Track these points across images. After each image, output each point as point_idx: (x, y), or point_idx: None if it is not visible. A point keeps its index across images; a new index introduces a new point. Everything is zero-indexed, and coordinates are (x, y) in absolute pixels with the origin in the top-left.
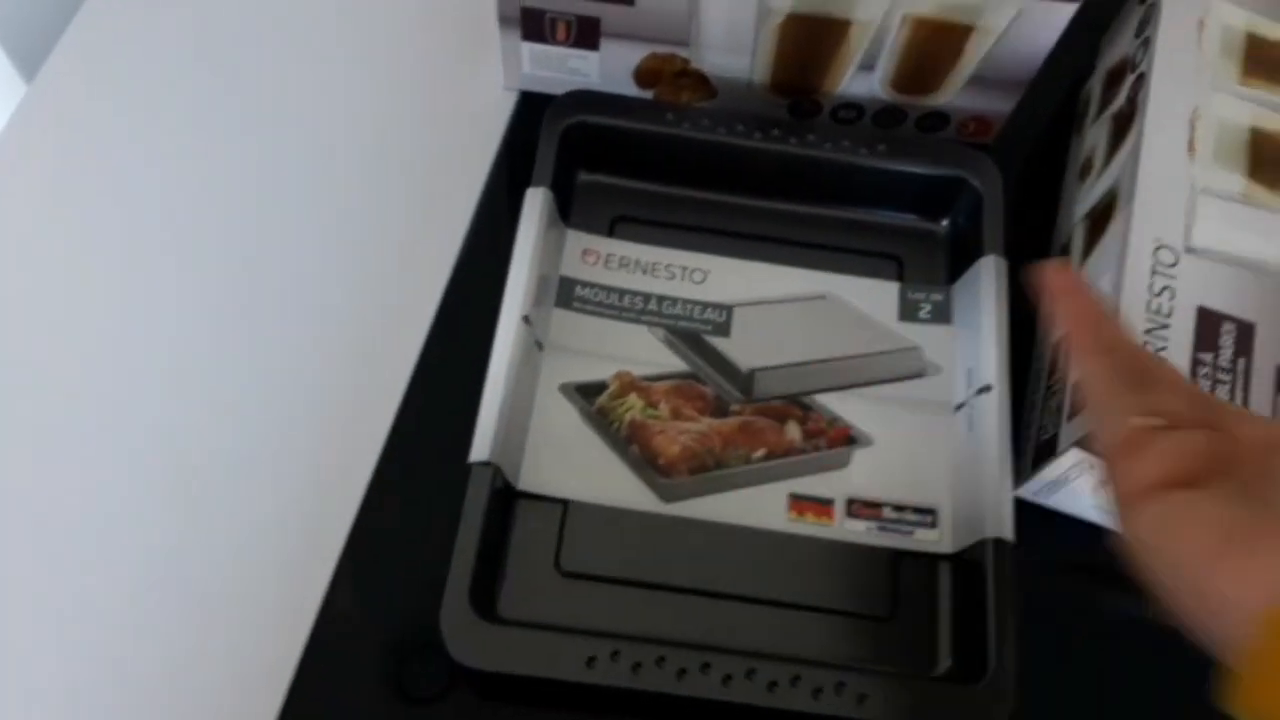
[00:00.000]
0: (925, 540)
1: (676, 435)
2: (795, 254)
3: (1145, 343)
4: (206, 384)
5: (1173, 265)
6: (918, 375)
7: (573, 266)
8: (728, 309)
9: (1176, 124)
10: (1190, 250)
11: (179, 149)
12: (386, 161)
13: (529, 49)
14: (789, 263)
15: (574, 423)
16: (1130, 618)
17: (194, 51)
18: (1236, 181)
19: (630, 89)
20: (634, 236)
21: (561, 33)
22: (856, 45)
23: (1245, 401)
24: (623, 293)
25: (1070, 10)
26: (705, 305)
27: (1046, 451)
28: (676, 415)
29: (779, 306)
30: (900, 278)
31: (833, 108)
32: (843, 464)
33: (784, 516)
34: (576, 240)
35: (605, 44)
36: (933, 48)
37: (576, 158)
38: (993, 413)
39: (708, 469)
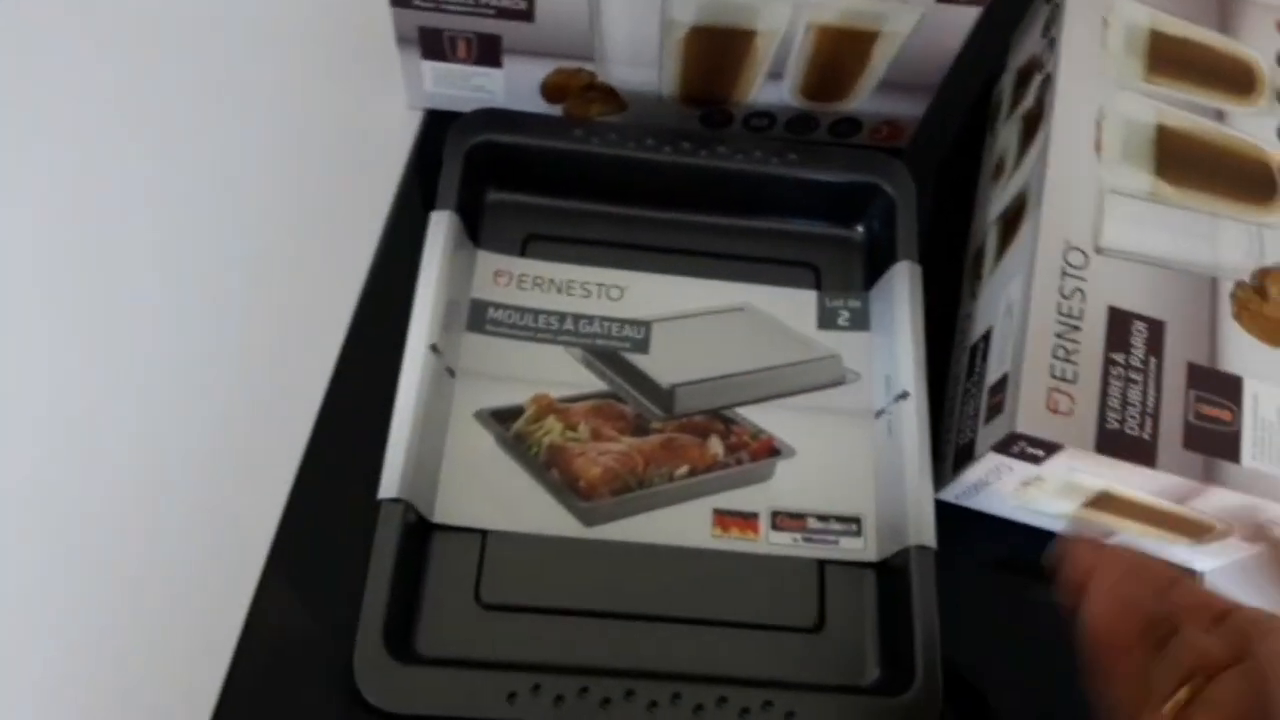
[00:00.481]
0: (850, 549)
1: (597, 457)
2: (712, 266)
3: (1061, 355)
4: (103, 419)
5: (1082, 267)
6: (838, 383)
7: (484, 288)
8: (646, 325)
9: (1083, 124)
10: (1099, 250)
11: (77, 173)
12: (290, 186)
13: (431, 67)
14: (706, 275)
15: (490, 450)
16: (1054, 611)
17: (95, 73)
18: (1144, 180)
19: (538, 105)
20: (547, 255)
21: (462, 51)
22: (763, 55)
23: (1158, 399)
24: (537, 313)
25: (974, 14)
26: (623, 322)
27: (966, 455)
28: (597, 436)
29: (698, 320)
30: (818, 286)
31: (745, 117)
32: (766, 476)
33: (708, 533)
34: (487, 261)
35: (509, 60)
36: (839, 55)
37: (484, 177)
38: (911, 419)
39: (630, 489)
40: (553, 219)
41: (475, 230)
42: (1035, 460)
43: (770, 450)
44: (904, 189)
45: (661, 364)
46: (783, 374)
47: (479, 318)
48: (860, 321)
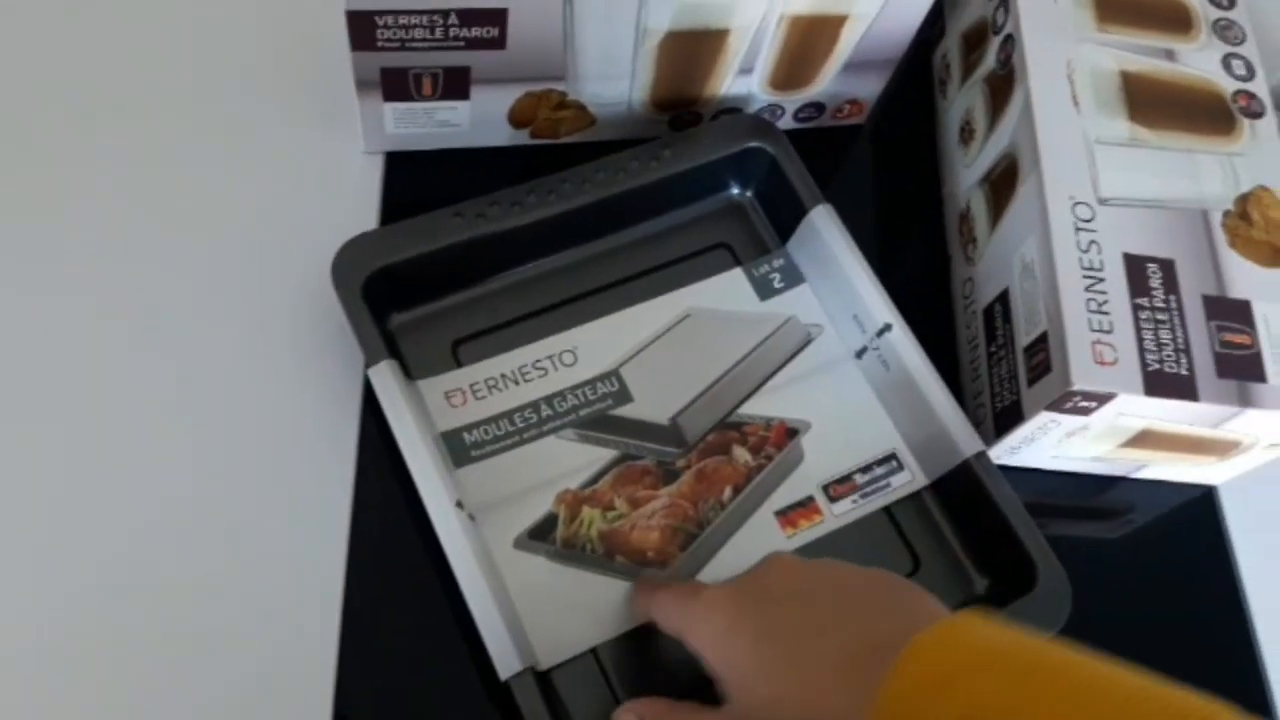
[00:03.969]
0: (902, 484)
1: (649, 521)
2: (639, 288)
3: (1094, 308)
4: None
5: (1091, 219)
6: (807, 343)
7: (445, 417)
8: (614, 374)
9: (1057, 80)
10: (1102, 201)
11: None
12: (254, 253)
13: (392, 109)
14: (638, 299)
15: (547, 569)
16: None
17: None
18: (1122, 126)
19: (505, 132)
20: (483, 353)
21: (427, 87)
22: (735, 51)
23: (1185, 335)
24: (511, 415)
25: None
26: (592, 382)
27: (1011, 417)
28: (635, 503)
29: (656, 346)
30: (738, 261)
31: (712, 114)
32: (799, 459)
33: (782, 536)
34: (431, 388)
35: (476, 90)
36: (810, 42)
37: (382, 305)
38: (905, 346)
39: (694, 536)
40: (471, 315)
41: (401, 363)
42: (1086, 412)
43: (789, 433)
44: (778, 142)
45: (651, 404)
46: (758, 358)
47: (459, 450)
48: (793, 277)
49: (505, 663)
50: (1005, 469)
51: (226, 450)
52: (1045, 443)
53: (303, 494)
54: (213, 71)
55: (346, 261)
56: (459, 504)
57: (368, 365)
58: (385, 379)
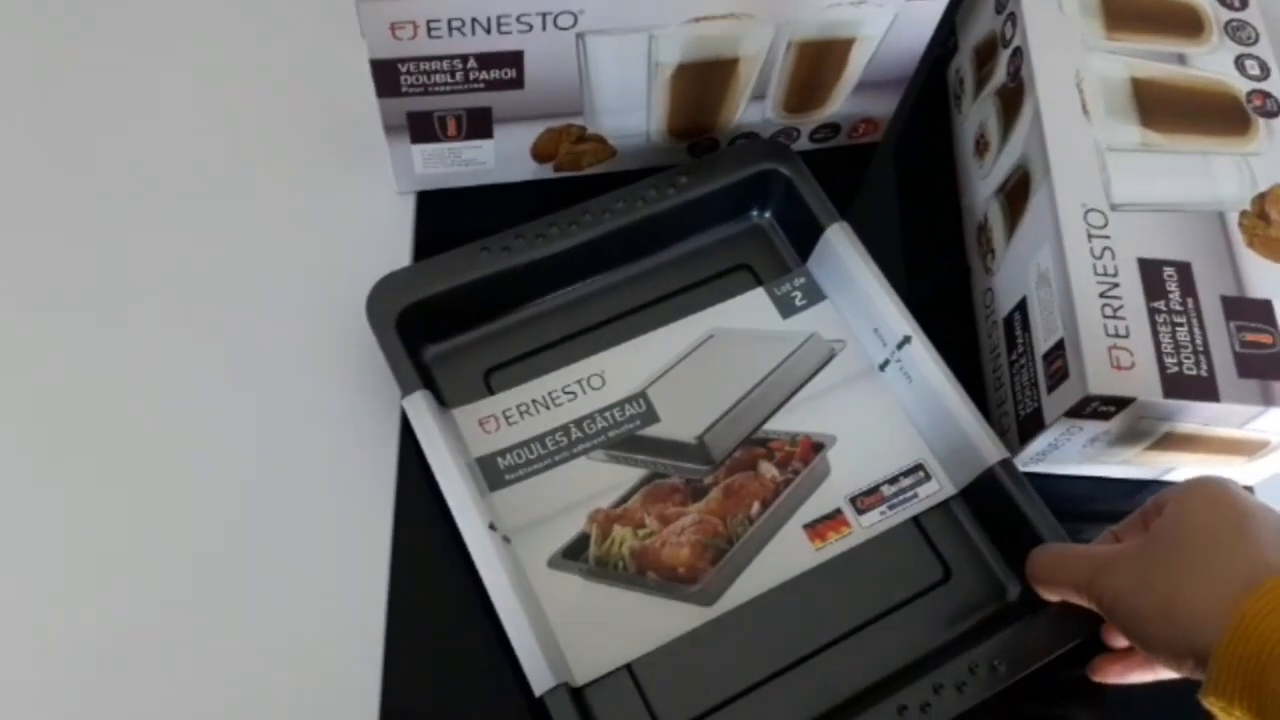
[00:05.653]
0: (930, 494)
1: (679, 538)
2: (663, 311)
3: (1110, 313)
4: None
5: (1103, 226)
6: (830, 358)
7: (479, 444)
8: (642, 395)
9: (1066, 89)
10: (1114, 207)
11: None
12: (289, 307)
13: (420, 150)
14: (663, 322)
15: (581, 588)
16: None
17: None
18: (1133, 132)
19: (529, 167)
20: (514, 380)
21: (452, 129)
22: (746, 79)
23: (1204, 336)
24: (542, 439)
25: (941, 5)
26: (621, 404)
27: (1034, 424)
28: (665, 520)
29: (682, 366)
30: (759, 281)
31: (729, 140)
32: (826, 472)
33: (811, 550)
34: (466, 416)
35: (499, 129)
36: (819, 65)
37: (416, 339)
38: (925, 357)
39: (724, 551)
40: (501, 345)
41: (436, 393)
42: (1106, 417)
43: (815, 448)
44: (793, 164)
45: (678, 423)
46: (781, 375)
47: (494, 474)
48: (814, 294)
49: (539, 679)
50: (1034, 476)
51: (271, 481)
52: (1070, 448)
53: (345, 522)
54: (255, 123)
55: (380, 298)
56: (492, 526)
57: (403, 396)
58: (419, 408)
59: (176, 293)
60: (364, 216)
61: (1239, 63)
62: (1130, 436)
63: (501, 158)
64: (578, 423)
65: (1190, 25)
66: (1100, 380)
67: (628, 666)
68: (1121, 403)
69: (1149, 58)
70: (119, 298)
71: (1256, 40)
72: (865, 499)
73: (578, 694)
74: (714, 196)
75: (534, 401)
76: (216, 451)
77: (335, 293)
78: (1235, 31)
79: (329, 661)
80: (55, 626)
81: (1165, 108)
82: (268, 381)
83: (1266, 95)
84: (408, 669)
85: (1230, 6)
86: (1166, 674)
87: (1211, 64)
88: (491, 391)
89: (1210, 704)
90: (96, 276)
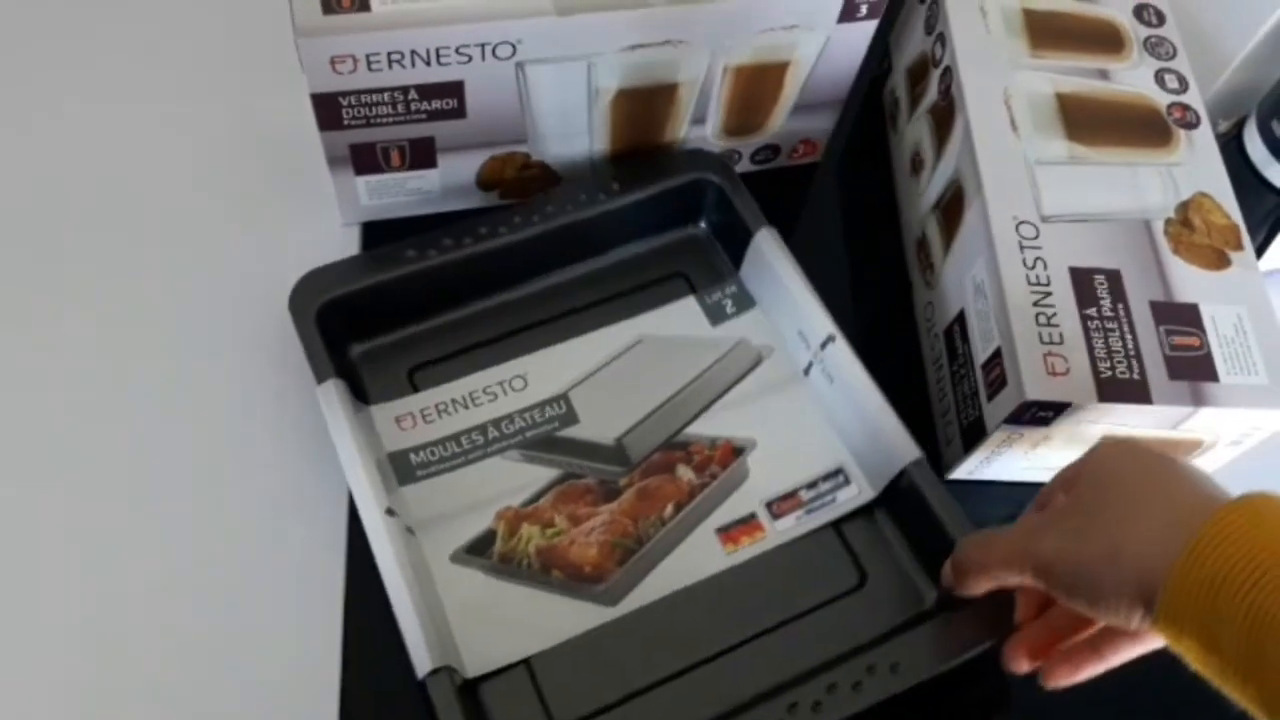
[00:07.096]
0: (849, 499)
1: (587, 538)
2: (592, 317)
3: (1044, 321)
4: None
5: (1035, 237)
6: (757, 364)
7: (394, 439)
8: (563, 398)
9: (995, 107)
10: (1045, 219)
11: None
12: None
13: (364, 181)
14: (591, 328)
15: (484, 583)
16: None
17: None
18: (1060, 146)
19: (474, 195)
20: (437, 379)
21: (396, 159)
22: (685, 103)
23: (1135, 341)
24: (457, 437)
25: (871, 27)
26: (540, 405)
27: (976, 432)
28: (575, 520)
29: (606, 371)
30: (693, 289)
31: None
32: (744, 477)
33: (722, 554)
34: (384, 413)
35: (443, 158)
36: (756, 89)
37: (340, 336)
38: (845, 357)
39: (632, 552)
40: (428, 345)
41: (359, 390)
42: (1045, 422)
43: (734, 452)
44: (725, 173)
45: (597, 425)
46: (707, 380)
47: (405, 469)
48: (744, 302)
49: (421, 659)
50: (981, 483)
51: (222, 478)
52: (1013, 455)
53: (300, 514)
54: (200, 158)
55: (303, 291)
56: (389, 511)
57: (317, 385)
58: (329, 397)
59: (127, 321)
60: (309, 248)
61: (1159, 77)
62: (1072, 441)
63: (448, 187)
64: (495, 422)
65: (1111, 42)
66: (1037, 386)
67: (526, 663)
68: (1058, 408)
69: (1073, 74)
70: (61, 326)
71: (1175, 55)
72: (781, 504)
73: (471, 687)
74: (647, 204)
75: (454, 401)
76: (160, 455)
77: (279, 320)
78: (1154, 47)
79: (288, 647)
80: None
81: (1090, 122)
82: (213, 398)
83: (1186, 108)
84: (364, 652)
85: (1149, 24)
86: (1117, 659)
87: (1133, 79)
88: (415, 390)
89: (1160, 631)
90: (51, 293)
